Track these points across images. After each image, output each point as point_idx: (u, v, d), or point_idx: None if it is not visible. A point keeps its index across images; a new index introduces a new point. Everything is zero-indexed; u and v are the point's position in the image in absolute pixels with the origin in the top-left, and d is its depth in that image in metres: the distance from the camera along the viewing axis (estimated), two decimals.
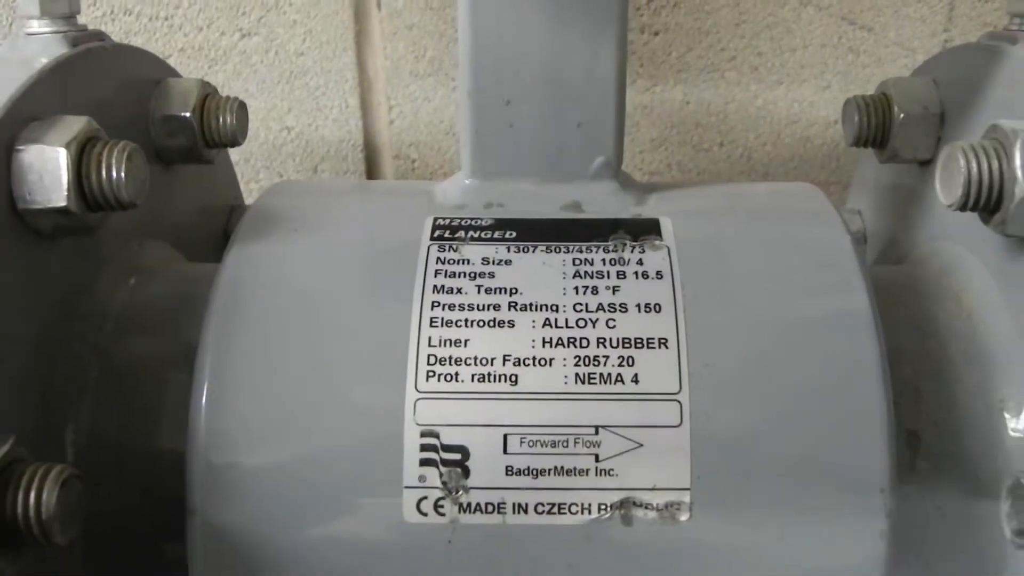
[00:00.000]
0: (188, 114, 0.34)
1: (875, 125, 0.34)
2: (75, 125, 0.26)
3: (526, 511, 0.25)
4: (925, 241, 0.34)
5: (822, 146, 0.60)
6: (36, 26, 0.30)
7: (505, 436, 0.25)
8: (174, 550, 0.27)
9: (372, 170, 0.62)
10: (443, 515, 0.25)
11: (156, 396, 0.29)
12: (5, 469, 0.23)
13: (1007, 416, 0.28)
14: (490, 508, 0.25)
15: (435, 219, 0.29)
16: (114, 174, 0.27)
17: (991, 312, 0.29)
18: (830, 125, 0.60)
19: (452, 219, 0.29)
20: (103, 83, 0.31)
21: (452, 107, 0.63)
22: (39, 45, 0.29)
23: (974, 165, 0.26)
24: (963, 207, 0.27)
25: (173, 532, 0.27)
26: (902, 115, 0.33)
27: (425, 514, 0.25)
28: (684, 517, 0.25)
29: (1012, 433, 0.28)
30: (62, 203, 0.26)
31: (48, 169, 0.26)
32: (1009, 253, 0.28)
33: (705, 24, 0.59)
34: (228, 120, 0.35)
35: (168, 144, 0.34)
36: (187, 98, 0.34)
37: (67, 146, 0.26)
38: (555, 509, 0.25)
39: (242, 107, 0.36)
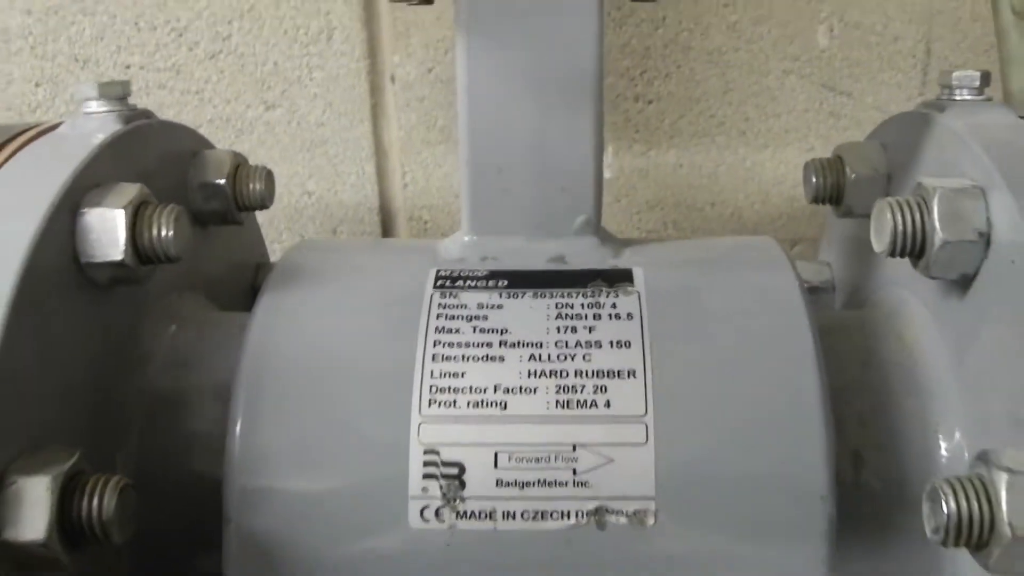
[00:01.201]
0: (223, 181, 0.39)
1: (831, 185, 0.39)
2: (130, 191, 0.32)
3: (514, 518, 0.30)
4: (878, 287, 0.39)
5: (808, 204, 0.65)
6: (94, 106, 0.35)
7: (496, 453, 0.30)
8: (209, 561, 0.31)
9: (387, 231, 0.68)
10: (443, 521, 0.30)
11: (194, 427, 0.34)
12: (72, 479, 0.28)
13: (940, 438, 0.32)
14: (483, 515, 0.30)
15: (438, 271, 0.34)
16: (163, 232, 0.32)
17: (928, 347, 0.34)
18: None
19: (452, 270, 0.34)
20: (150, 155, 0.36)
21: None
22: (97, 123, 0.35)
23: (899, 218, 0.31)
24: (892, 253, 0.31)
25: (208, 544, 0.31)
26: (853, 175, 0.38)
27: (427, 521, 0.30)
28: (651, 522, 0.29)
29: (944, 453, 0.32)
30: (119, 257, 0.31)
31: (107, 228, 0.31)
32: (943, 294, 0.33)
33: (695, 93, 0.65)
34: (257, 187, 0.40)
35: (204, 208, 0.40)
36: (221, 167, 0.39)
37: (124, 208, 0.31)
38: (539, 516, 0.30)
39: (269, 175, 0.41)
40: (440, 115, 0.67)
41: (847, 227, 0.43)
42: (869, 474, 0.33)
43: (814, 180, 0.39)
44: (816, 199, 0.40)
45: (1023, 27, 0.41)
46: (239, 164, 0.40)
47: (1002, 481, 0.26)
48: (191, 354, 0.36)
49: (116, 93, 0.36)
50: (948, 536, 0.27)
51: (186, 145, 0.40)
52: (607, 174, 0.66)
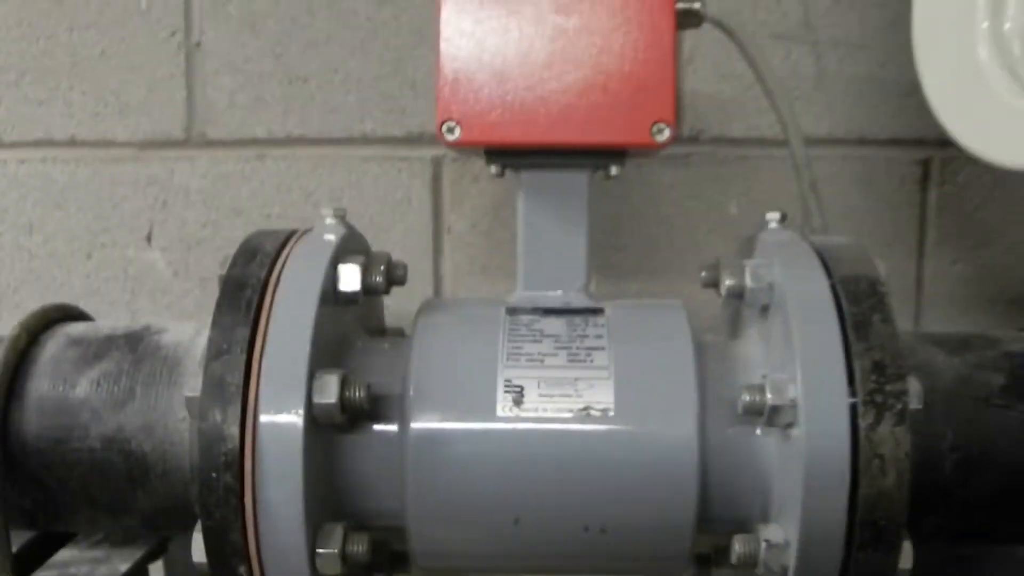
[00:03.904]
0: (383, 266, 0.78)
1: (711, 279, 0.79)
2: (361, 257, 0.71)
3: (547, 411, 0.67)
4: (739, 332, 0.78)
5: None
6: (333, 221, 0.75)
7: (538, 382, 0.68)
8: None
9: None
10: (512, 413, 0.67)
11: (385, 380, 0.72)
12: (344, 378, 0.66)
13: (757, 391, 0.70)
14: (532, 410, 0.67)
15: (507, 307, 0.74)
16: (377, 278, 0.71)
17: (754, 348, 0.72)
18: None
19: (515, 306, 0.74)
20: (355, 244, 0.76)
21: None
22: (335, 228, 0.74)
23: (731, 278, 0.70)
24: (730, 296, 0.71)
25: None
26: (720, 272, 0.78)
27: (504, 413, 0.67)
28: (613, 414, 0.67)
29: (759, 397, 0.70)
30: (357, 288, 0.70)
31: (352, 274, 0.70)
32: (759, 320, 0.72)
33: (650, 245, 1.05)
34: (400, 272, 0.79)
35: (371, 282, 0.79)
36: (381, 257, 0.78)
37: (360, 264, 0.70)
38: (559, 410, 0.67)
39: (405, 266, 0.80)
40: (480, 257, 1.07)
41: (727, 305, 0.82)
42: (724, 409, 0.70)
43: (703, 275, 0.79)
44: (706, 285, 0.79)
45: (815, 197, 0.82)
46: (389, 257, 0.80)
47: (767, 383, 0.65)
48: (383, 345, 0.75)
49: (341, 213, 0.76)
50: (746, 410, 0.65)
51: (364, 243, 0.80)
52: None
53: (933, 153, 1.06)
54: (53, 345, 0.76)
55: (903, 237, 1.08)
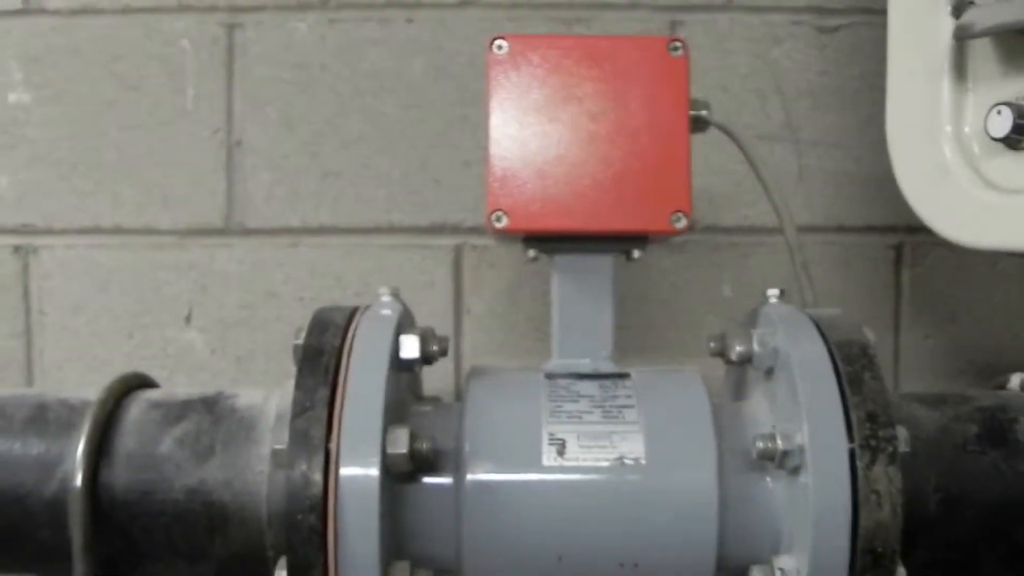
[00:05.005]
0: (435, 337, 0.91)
1: (720, 347, 0.92)
2: (419, 329, 0.84)
3: (587, 461, 0.80)
4: (744, 396, 0.91)
5: None
6: (390, 299, 0.88)
7: (578, 435, 0.81)
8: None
9: None
10: (556, 463, 0.80)
11: (440, 434, 0.84)
12: (413, 432, 0.78)
13: (764, 438, 0.83)
14: (572, 459, 0.80)
15: (544, 373, 0.86)
16: (434, 347, 0.84)
17: (760, 405, 0.86)
18: None
19: (552, 372, 0.86)
20: (410, 320, 0.89)
21: None
22: (391, 303, 0.87)
23: (740, 345, 0.84)
24: (740, 362, 0.84)
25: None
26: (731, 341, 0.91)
27: (549, 463, 0.80)
28: (644, 462, 0.80)
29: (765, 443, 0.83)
30: (417, 355, 0.83)
31: (411, 343, 0.83)
32: (765, 381, 0.85)
33: (652, 323, 1.19)
34: (445, 344, 0.92)
35: (428, 351, 0.91)
36: (429, 332, 0.91)
37: (418, 335, 0.83)
38: (596, 460, 0.80)
39: (447, 339, 0.93)
40: (497, 336, 1.20)
41: (731, 371, 0.96)
42: (738, 458, 0.83)
43: (711, 345, 0.92)
44: (713, 354, 0.92)
45: (806, 275, 0.97)
46: (434, 331, 0.92)
47: (777, 433, 0.78)
48: (430, 407, 0.87)
49: (396, 292, 0.88)
50: (760, 455, 0.78)
51: (414, 318, 0.92)
52: None
53: (905, 238, 1.22)
54: (136, 408, 0.88)
55: (880, 314, 1.22)
